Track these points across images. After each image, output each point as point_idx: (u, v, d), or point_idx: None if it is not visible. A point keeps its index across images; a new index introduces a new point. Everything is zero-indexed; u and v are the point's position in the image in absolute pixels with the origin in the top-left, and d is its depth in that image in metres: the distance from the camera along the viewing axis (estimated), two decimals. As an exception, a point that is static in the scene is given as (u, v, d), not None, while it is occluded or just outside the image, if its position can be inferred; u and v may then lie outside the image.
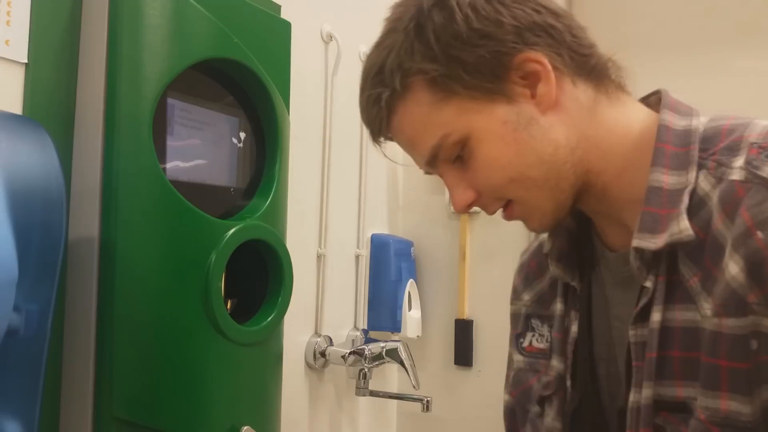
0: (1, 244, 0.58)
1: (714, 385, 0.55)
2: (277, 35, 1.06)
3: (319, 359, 1.35)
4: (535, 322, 0.78)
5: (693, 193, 0.59)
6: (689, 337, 0.58)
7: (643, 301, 0.61)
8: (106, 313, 0.80)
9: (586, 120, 0.64)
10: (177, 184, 0.87)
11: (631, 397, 0.61)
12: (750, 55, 1.61)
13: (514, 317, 0.81)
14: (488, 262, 1.58)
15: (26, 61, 0.82)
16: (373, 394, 1.39)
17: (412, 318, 1.56)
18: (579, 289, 0.71)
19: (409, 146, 0.68)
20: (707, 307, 0.56)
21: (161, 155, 0.88)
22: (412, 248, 1.62)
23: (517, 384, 0.79)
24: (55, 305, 0.68)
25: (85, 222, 0.82)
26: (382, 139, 0.70)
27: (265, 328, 0.97)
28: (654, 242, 0.60)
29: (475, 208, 0.68)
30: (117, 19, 0.83)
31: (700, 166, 0.60)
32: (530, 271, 0.80)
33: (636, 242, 0.61)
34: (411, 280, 1.57)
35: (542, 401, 0.74)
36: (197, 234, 0.88)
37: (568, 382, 0.71)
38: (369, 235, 1.55)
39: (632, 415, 0.61)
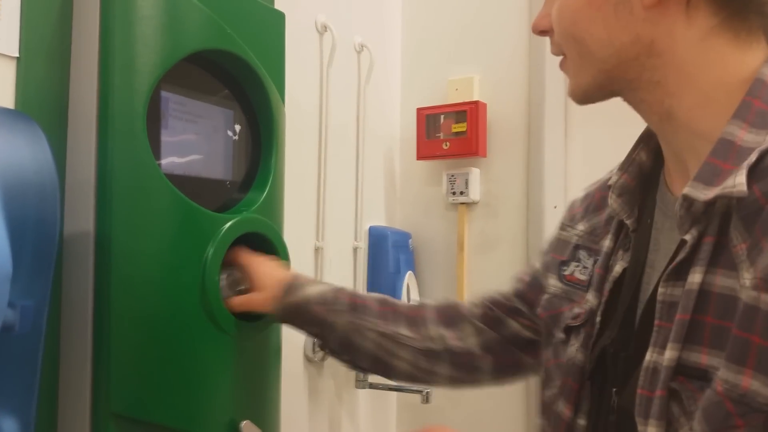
0: (-5, 240, 0.57)
1: (740, 360, 0.52)
2: (271, 26, 1.05)
3: (318, 352, 1.35)
4: (582, 254, 0.75)
5: (765, 156, 0.55)
6: (725, 305, 0.54)
7: (680, 256, 0.58)
8: (103, 307, 0.80)
9: (689, 39, 0.59)
10: (172, 177, 0.87)
11: (648, 356, 0.59)
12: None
13: (562, 243, 0.79)
14: (486, 253, 1.58)
15: (17, 55, 0.81)
16: (372, 386, 1.39)
17: (410, 310, 1.56)
18: (632, 228, 0.68)
19: None
20: (747, 277, 0.52)
21: (156, 148, 0.87)
22: (410, 240, 1.62)
23: (548, 307, 0.77)
24: (51, 301, 0.67)
25: (80, 216, 0.81)
26: None
27: (263, 322, 0.97)
28: (705, 193, 0.56)
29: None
30: (109, 11, 0.82)
31: None
32: (593, 202, 0.78)
33: (687, 190, 0.57)
34: (409, 272, 1.56)
35: (569, 331, 0.72)
36: (193, 228, 0.88)
37: (598, 318, 0.69)
38: (367, 227, 1.55)
39: (646, 375, 0.58)
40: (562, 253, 0.78)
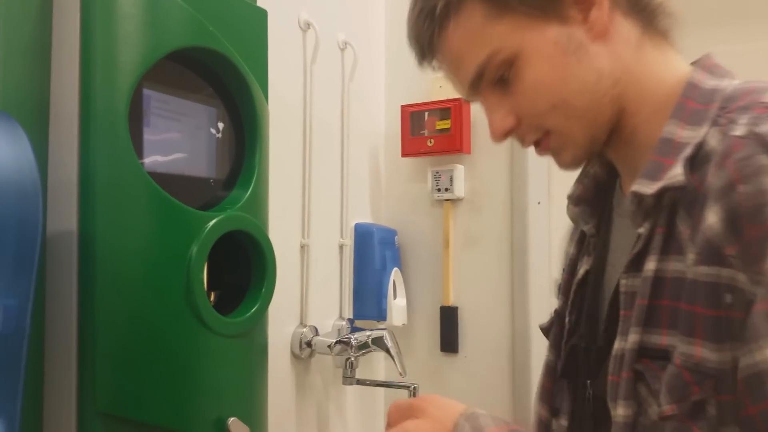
0: (-24, 239, 0.57)
1: (690, 332, 0.56)
2: (253, 24, 1.05)
3: (305, 349, 1.35)
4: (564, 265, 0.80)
5: (700, 148, 0.59)
6: (677, 286, 0.58)
7: (636, 248, 0.62)
8: (87, 306, 0.80)
9: (630, 55, 0.64)
10: (155, 175, 0.87)
11: (616, 344, 0.62)
12: (729, 39, 1.63)
13: (563, 271, 0.83)
14: (471, 249, 1.59)
15: (-3, 54, 0.81)
16: (360, 382, 1.39)
17: (397, 306, 1.56)
18: (590, 234, 0.73)
19: (455, 64, 0.67)
20: (690, 257, 0.57)
21: (138, 147, 0.87)
22: (395, 237, 1.63)
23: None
24: (35, 300, 0.67)
25: (63, 216, 0.80)
26: (428, 59, 0.69)
27: (249, 319, 0.97)
28: (651, 187, 0.60)
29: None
30: (90, 10, 0.82)
31: (714, 123, 0.60)
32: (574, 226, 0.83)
33: (635, 186, 0.61)
34: (395, 269, 1.57)
35: (545, 335, 0.77)
36: (177, 226, 0.88)
37: (567, 319, 0.73)
38: (352, 224, 1.55)
39: (615, 362, 0.62)
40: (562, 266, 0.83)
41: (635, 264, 0.62)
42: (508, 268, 1.53)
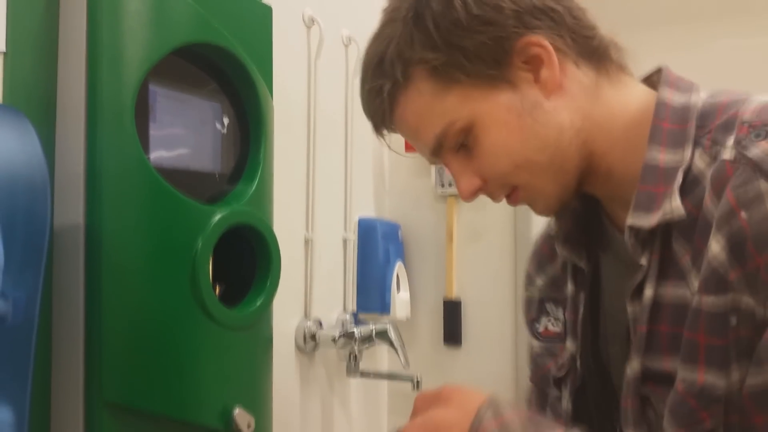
0: (-14, 232, 0.58)
1: (692, 359, 0.56)
2: (258, 19, 1.05)
3: (309, 342, 1.36)
4: (549, 306, 0.79)
5: (688, 172, 0.60)
6: (678, 313, 0.59)
7: (638, 278, 0.62)
8: (94, 299, 0.81)
9: (589, 101, 0.64)
10: (161, 170, 0.88)
11: (627, 370, 0.63)
12: (732, 33, 1.63)
13: (528, 303, 0.82)
14: (475, 243, 1.60)
15: (4, 49, 0.81)
16: (363, 374, 1.41)
17: (400, 299, 1.57)
18: (587, 269, 0.72)
19: (413, 136, 0.68)
20: (695, 284, 0.57)
21: (144, 141, 0.88)
22: (399, 231, 1.63)
23: (536, 370, 0.80)
24: (43, 293, 0.68)
25: (70, 209, 0.82)
26: (385, 131, 0.70)
27: (254, 312, 0.98)
28: (648, 220, 0.60)
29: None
30: (96, 6, 0.83)
31: (696, 144, 0.60)
32: (543, 256, 0.81)
33: (630, 221, 0.61)
34: (399, 262, 1.58)
35: (558, 383, 0.76)
36: (183, 220, 0.89)
37: (578, 362, 0.72)
38: (356, 218, 1.56)
39: (626, 386, 0.63)
40: (530, 313, 0.82)
41: (638, 292, 0.62)
42: (511, 262, 1.54)
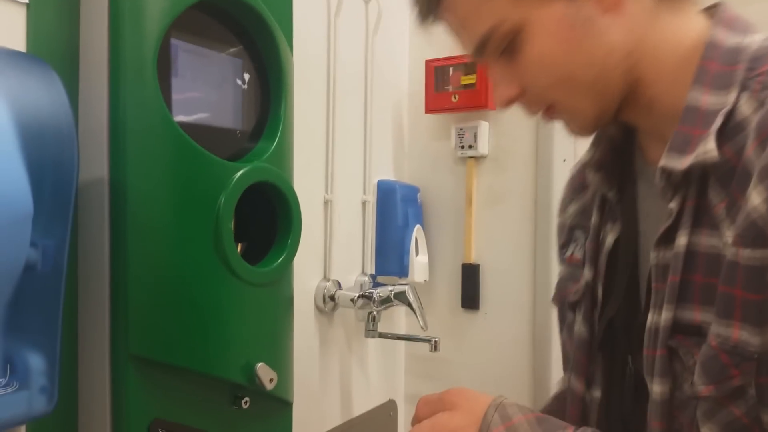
0: (16, 180, 0.58)
1: (728, 314, 0.55)
2: (279, -27, 1.03)
3: (328, 303, 1.37)
4: (577, 233, 0.78)
5: (731, 116, 0.57)
6: (712, 263, 0.57)
7: (667, 223, 0.61)
8: (120, 253, 0.81)
9: (645, 26, 0.61)
10: (183, 125, 0.87)
11: (649, 318, 0.62)
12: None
13: (560, 229, 0.82)
14: (494, 207, 1.58)
15: (27, 1, 0.81)
16: (381, 336, 1.42)
17: (419, 263, 1.57)
18: (615, 200, 0.71)
19: (458, 28, 0.65)
20: (729, 234, 0.56)
21: (166, 96, 0.87)
22: (418, 194, 1.63)
23: (558, 292, 0.81)
24: (70, 245, 0.68)
25: (94, 163, 0.82)
26: (430, 19, 0.67)
27: (276, 269, 0.99)
28: (680, 162, 0.58)
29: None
30: (117, -43, 0.81)
31: (744, 87, 0.57)
32: (577, 184, 0.80)
33: (663, 162, 0.60)
34: (418, 226, 1.58)
35: (572, 307, 0.76)
36: (206, 176, 0.89)
37: (599, 291, 0.71)
38: (375, 181, 1.55)
39: (649, 336, 0.61)
40: (560, 239, 0.82)
41: (666, 238, 0.61)
42: (531, 226, 1.53)
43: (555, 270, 1.52)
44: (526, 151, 1.53)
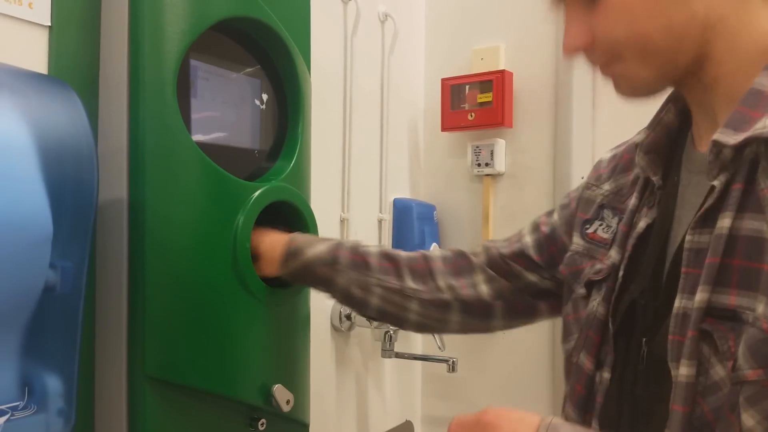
0: (36, 201, 0.58)
1: None
2: (297, -6, 1.04)
3: (344, 322, 1.36)
4: (606, 213, 0.77)
5: None
6: (753, 246, 0.56)
7: (709, 202, 0.59)
8: (137, 273, 0.81)
9: (733, 6, 0.61)
10: (202, 145, 0.87)
11: (677, 302, 0.60)
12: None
13: (587, 202, 0.80)
14: (511, 225, 1.57)
15: (50, 23, 0.82)
16: (398, 355, 1.40)
17: (435, 281, 1.56)
18: (658, 185, 0.70)
19: None
20: None
21: (186, 116, 0.87)
22: (434, 212, 1.62)
23: (570, 264, 0.79)
24: (88, 266, 0.68)
25: (114, 183, 0.82)
26: None
27: (293, 289, 0.98)
28: (734, 138, 0.58)
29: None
30: (137, -21, 0.82)
31: None
32: (620, 162, 0.79)
33: (717, 135, 0.59)
34: (434, 244, 1.57)
35: (590, 285, 0.74)
36: (224, 195, 0.89)
37: (621, 273, 0.70)
38: (391, 199, 1.55)
39: (676, 321, 0.60)
40: (586, 212, 0.79)
41: (705, 219, 0.60)
42: (549, 245, 1.51)
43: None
44: (543, 169, 1.52)
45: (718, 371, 0.57)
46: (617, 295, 0.70)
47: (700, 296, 0.58)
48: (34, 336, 0.63)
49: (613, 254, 0.72)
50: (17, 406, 0.61)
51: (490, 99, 1.51)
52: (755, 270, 0.55)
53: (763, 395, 0.54)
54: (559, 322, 1.49)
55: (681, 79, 0.64)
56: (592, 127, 1.50)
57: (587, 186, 0.82)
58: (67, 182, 0.63)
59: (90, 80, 0.85)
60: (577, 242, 0.79)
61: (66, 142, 0.63)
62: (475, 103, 1.53)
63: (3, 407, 0.60)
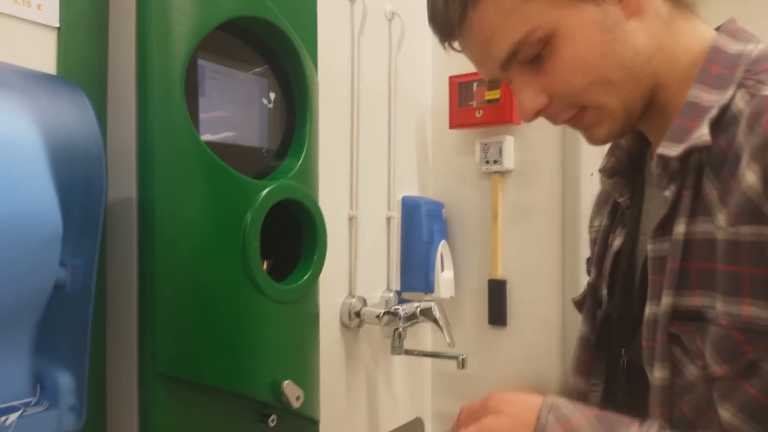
0: (45, 200, 0.59)
1: (736, 292, 0.56)
2: (303, -7, 1.04)
3: (354, 319, 1.36)
4: None
5: (726, 110, 0.60)
6: (707, 248, 0.59)
7: (663, 211, 0.62)
8: (147, 271, 0.82)
9: (662, 31, 0.64)
10: (210, 144, 0.88)
11: (648, 310, 0.63)
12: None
13: (591, 244, 0.84)
14: (520, 222, 1.57)
15: (58, 24, 0.83)
16: (408, 352, 1.40)
17: (445, 279, 1.56)
18: (626, 206, 0.73)
19: (484, 45, 0.65)
20: (721, 218, 0.57)
21: (194, 116, 0.88)
22: (443, 209, 1.62)
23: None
24: (98, 263, 0.69)
25: (123, 183, 0.83)
26: (450, 42, 0.68)
27: (302, 286, 0.98)
28: (675, 149, 0.61)
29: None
30: (145, -20, 0.83)
31: (741, 86, 0.60)
32: (601, 199, 0.83)
33: (660, 149, 0.62)
34: (443, 242, 1.57)
35: (579, 308, 0.78)
36: (232, 194, 0.89)
37: (604, 292, 0.74)
38: (400, 197, 1.55)
39: (648, 327, 0.62)
40: (590, 252, 0.84)
41: (663, 228, 0.62)
42: (558, 241, 1.51)
43: (583, 285, 1.50)
44: (552, 165, 1.52)
45: (692, 371, 0.59)
46: (601, 313, 0.74)
47: (666, 300, 0.60)
48: (45, 333, 0.63)
49: (591, 273, 0.76)
50: (29, 402, 0.62)
51: (498, 96, 1.51)
52: (711, 270, 0.58)
53: (733, 389, 0.56)
54: (569, 312, 1.50)
55: (643, 112, 0.66)
56: (601, 123, 1.49)
57: (589, 232, 0.86)
58: (77, 181, 0.63)
59: (98, 81, 0.86)
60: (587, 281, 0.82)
61: (75, 141, 0.64)
62: (483, 101, 1.53)
63: (15, 403, 0.61)
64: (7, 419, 0.60)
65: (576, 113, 0.65)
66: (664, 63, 0.64)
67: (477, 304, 1.61)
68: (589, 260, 0.82)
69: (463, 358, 1.35)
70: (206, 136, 0.90)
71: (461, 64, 1.60)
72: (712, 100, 0.61)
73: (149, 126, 0.82)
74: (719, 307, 0.57)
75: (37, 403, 0.63)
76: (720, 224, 0.57)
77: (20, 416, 0.61)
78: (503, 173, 1.57)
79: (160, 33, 0.83)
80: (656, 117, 0.67)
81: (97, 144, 0.66)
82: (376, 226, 1.48)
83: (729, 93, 0.60)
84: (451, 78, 1.58)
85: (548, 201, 1.53)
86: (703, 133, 0.59)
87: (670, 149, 0.61)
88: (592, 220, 0.84)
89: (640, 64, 0.63)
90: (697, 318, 0.59)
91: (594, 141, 0.68)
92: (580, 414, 0.58)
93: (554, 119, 0.67)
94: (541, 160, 1.53)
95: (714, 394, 0.57)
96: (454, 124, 1.59)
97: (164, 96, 0.83)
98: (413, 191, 1.61)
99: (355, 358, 1.40)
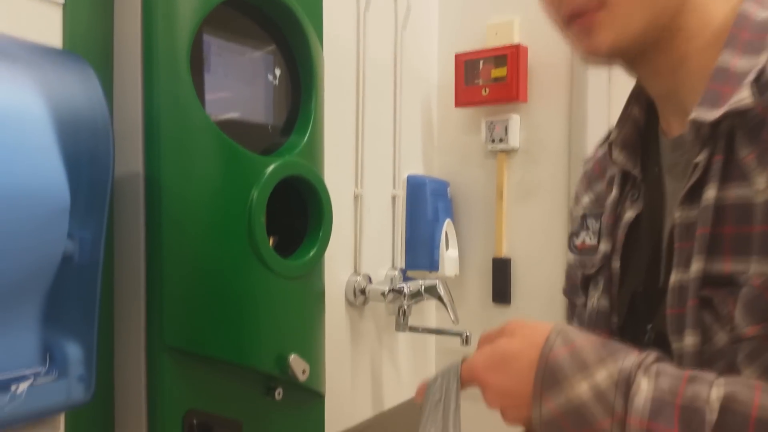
0: (53, 173, 0.60)
1: None
2: (309, -32, 1.04)
3: (359, 297, 1.37)
4: (590, 221, 0.78)
5: (762, 73, 0.58)
6: (742, 212, 0.58)
7: (694, 177, 0.61)
8: (155, 246, 0.83)
9: None
10: (216, 120, 0.88)
11: (673, 277, 0.62)
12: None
13: (573, 220, 0.82)
14: (525, 201, 1.57)
15: (63, 1, 0.83)
16: (412, 329, 1.42)
17: (449, 257, 1.57)
18: (640, 177, 0.72)
19: None
20: (761, 181, 0.56)
21: (199, 91, 0.88)
22: (448, 188, 1.62)
23: (568, 281, 0.81)
24: (106, 237, 0.70)
25: (130, 157, 0.83)
26: None
27: (307, 262, 0.99)
28: (712, 114, 0.59)
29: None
30: (150, -45, 0.83)
31: None
32: (593, 175, 0.81)
33: (694, 114, 0.60)
34: (448, 220, 1.57)
35: (586, 283, 0.75)
36: (238, 170, 0.90)
37: (616, 263, 0.72)
38: (405, 175, 1.55)
39: (674, 294, 0.61)
40: (572, 228, 0.81)
41: (691, 195, 0.61)
42: (563, 220, 1.51)
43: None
44: (558, 144, 1.51)
45: (722, 337, 0.58)
46: (619, 288, 0.71)
47: (696, 266, 0.59)
48: (54, 304, 0.64)
49: (603, 246, 0.73)
50: (39, 372, 0.64)
51: (504, 74, 1.50)
52: (745, 235, 0.57)
53: (762, 350, 0.55)
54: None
55: (655, 53, 0.64)
56: (608, 102, 1.48)
57: (571, 210, 0.84)
58: (84, 154, 0.64)
59: (104, 56, 0.86)
60: (569, 258, 0.80)
61: (82, 114, 0.64)
62: (489, 79, 1.52)
63: (25, 372, 0.62)
64: (17, 388, 0.61)
65: (592, 7, 0.62)
66: (697, 11, 0.63)
67: (481, 283, 1.62)
68: (572, 236, 0.80)
69: (467, 335, 1.36)
70: (212, 112, 0.90)
71: (467, 42, 1.60)
72: (744, 65, 0.59)
73: (155, 101, 0.83)
74: (752, 269, 0.56)
75: (46, 373, 0.65)
76: (760, 187, 0.56)
77: (30, 386, 0.63)
78: (509, 152, 1.57)
79: (165, 8, 0.83)
80: (670, 74, 0.65)
81: (103, 117, 0.66)
82: (381, 205, 1.48)
83: (763, 58, 0.59)
84: (457, 56, 1.57)
85: (553, 180, 1.52)
86: (743, 97, 0.58)
87: (706, 113, 0.60)
88: (579, 197, 0.82)
89: None
90: (729, 283, 0.58)
91: (592, 48, 0.65)
92: (585, 338, 0.60)
93: (574, 3, 0.63)
94: (547, 139, 1.53)
95: (740, 356, 0.57)
96: (459, 102, 1.58)
97: (170, 72, 0.83)
98: (418, 170, 1.61)
99: (360, 335, 1.42)
